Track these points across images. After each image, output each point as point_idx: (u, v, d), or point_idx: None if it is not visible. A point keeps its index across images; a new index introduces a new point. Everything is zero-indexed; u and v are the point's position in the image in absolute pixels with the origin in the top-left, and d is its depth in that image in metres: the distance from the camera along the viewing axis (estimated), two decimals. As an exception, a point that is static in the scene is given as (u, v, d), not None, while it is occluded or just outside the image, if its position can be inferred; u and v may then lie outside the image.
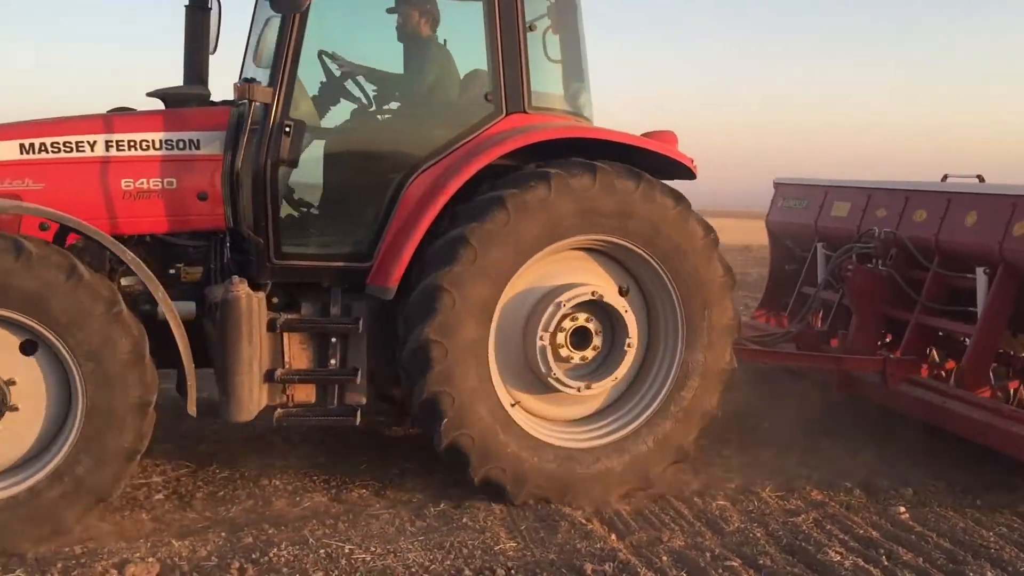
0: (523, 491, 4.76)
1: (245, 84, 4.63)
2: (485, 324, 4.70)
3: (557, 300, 4.81)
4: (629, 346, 4.94)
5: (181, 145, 4.75)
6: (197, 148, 4.76)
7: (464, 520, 4.58)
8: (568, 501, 4.81)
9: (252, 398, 4.55)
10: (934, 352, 6.66)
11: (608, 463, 4.93)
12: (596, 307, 4.91)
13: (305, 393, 4.78)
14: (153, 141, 4.73)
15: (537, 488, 4.80)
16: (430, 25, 5.20)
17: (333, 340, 4.77)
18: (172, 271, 4.84)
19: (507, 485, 4.74)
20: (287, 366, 4.72)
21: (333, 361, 4.76)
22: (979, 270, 5.85)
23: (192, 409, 4.43)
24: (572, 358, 4.89)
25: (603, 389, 5.00)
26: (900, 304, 6.45)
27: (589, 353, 4.93)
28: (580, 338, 4.91)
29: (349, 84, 5.31)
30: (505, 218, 4.58)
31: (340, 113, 5.32)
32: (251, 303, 4.48)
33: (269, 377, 4.67)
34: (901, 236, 6.47)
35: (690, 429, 5.07)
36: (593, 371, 4.99)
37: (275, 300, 4.80)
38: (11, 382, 4.05)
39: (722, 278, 5.03)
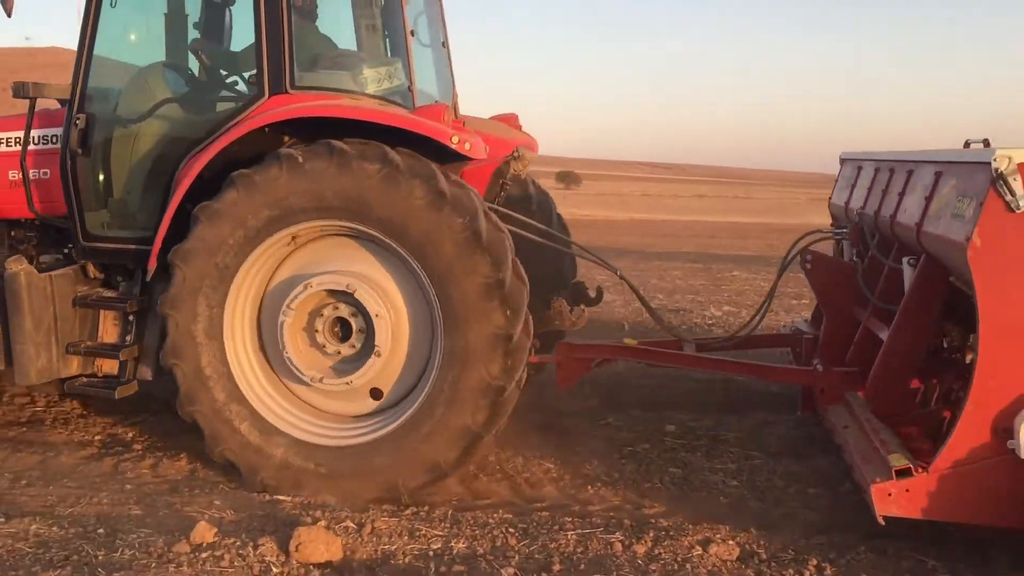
0: (256, 479, 4.73)
1: (19, 84, 5.08)
2: (218, 301, 4.70)
3: (307, 281, 4.66)
4: (377, 354, 4.61)
5: (54, 140, 5.25)
6: None
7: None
8: (306, 498, 4.62)
9: (34, 365, 4.91)
10: None
11: (344, 467, 4.67)
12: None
13: (110, 366, 5.11)
14: (34, 137, 5.32)
15: (270, 478, 4.72)
16: None
17: (130, 318, 5.07)
18: (65, 251, 5.43)
19: (241, 469, 4.76)
20: (99, 340, 5.15)
21: (129, 337, 5.06)
22: (904, 260, 4.61)
23: None
24: (326, 347, 4.77)
25: (339, 388, 4.72)
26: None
27: (347, 349, 4.76)
28: (346, 331, 4.77)
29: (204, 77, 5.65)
30: (233, 197, 4.54)
31: (150, 101, 5.29)
32: (30, 280, 4.92)
33: (68, 349, 5.07)
34: (865, 220, 5.44)
35: (447, 447, 4.53)
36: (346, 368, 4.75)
37: (120, 280, 5.25)
38: None
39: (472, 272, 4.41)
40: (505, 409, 4.62)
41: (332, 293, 4.74)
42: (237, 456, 4.79)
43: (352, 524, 4.25)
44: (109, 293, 5.28)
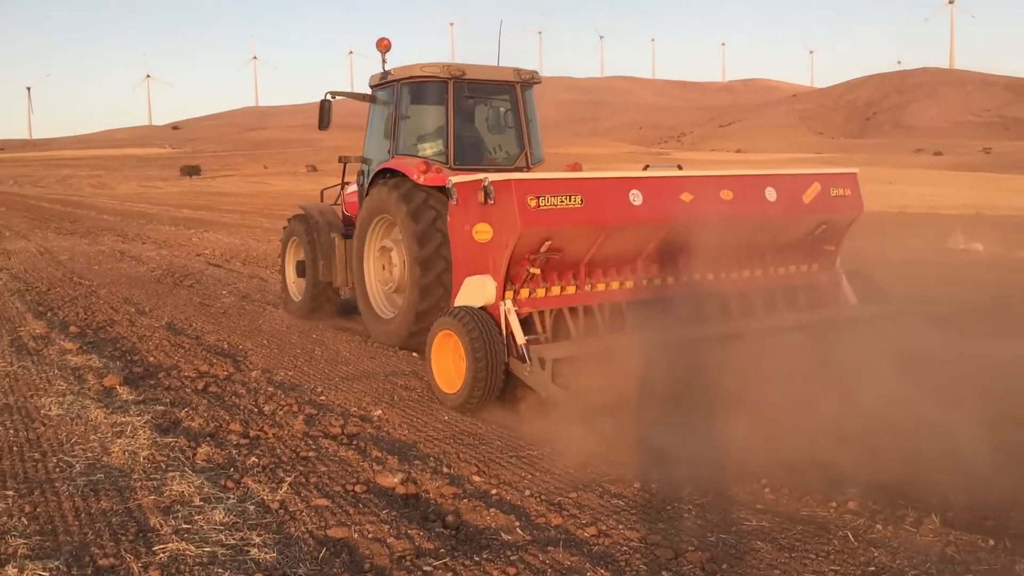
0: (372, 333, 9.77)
1: (341, 156, 10.86)
2: (361, 249, 9.59)
3: (382, 244, 9.49)
4: (393, 279, 9.28)
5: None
6: None
7: None
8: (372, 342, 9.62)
9: (338, 277, 10.24)
10: None
11: (388, 327, 9.23)
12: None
13: None
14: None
15: (372, 332, 9.69)
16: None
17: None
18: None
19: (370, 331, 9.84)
20: None
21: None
22: None
23: None
24: (388, 274, 9.38)
25: (388, 291, 9.56)
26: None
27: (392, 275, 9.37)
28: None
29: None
30: (373, 191, 9.45)
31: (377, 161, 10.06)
32: (340, 241, 10.22)
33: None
34: None
35: (409, 320, 8.76)
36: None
37: None
38: None
39: (413, 236, 8.64)
40: (430, 293, 8.56)
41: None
42: (369, 325, 9.68)
43: None
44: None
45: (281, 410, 6.96)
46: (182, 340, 9.70)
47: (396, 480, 5.40)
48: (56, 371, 8.15)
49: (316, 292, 10.76)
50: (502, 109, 9.86)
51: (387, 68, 9.79)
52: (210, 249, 19.97)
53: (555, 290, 6.96)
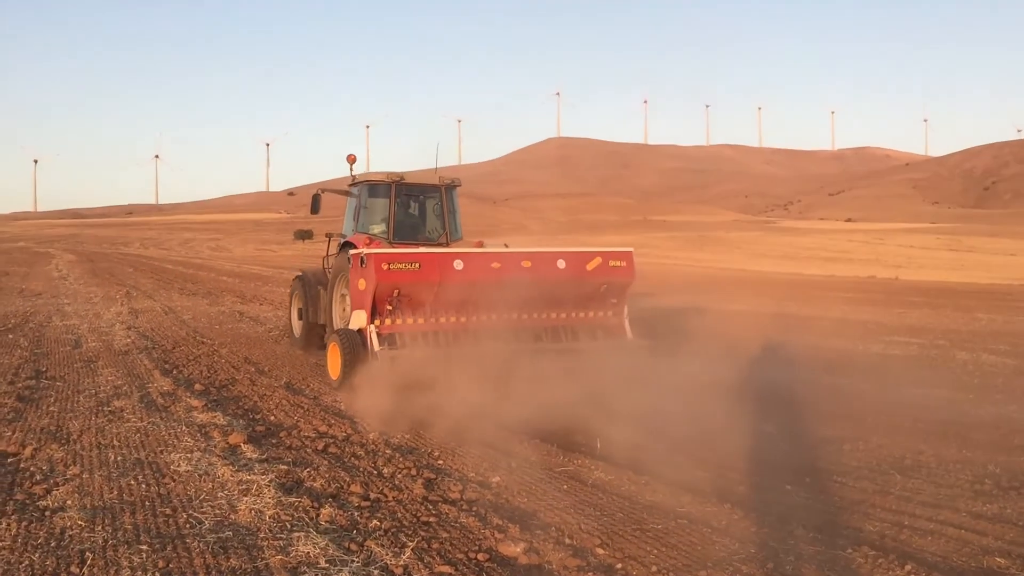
0: (325, 342, 12.41)
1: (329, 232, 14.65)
2: (331, 295, 12.52)
3: (342, 292, 12.18)
4: (347, 313, 11.71)
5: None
6: None
7: None
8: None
9: (323, 318, 13.21)
10: None
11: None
12: None
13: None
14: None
15: (330, 340, 11.77)
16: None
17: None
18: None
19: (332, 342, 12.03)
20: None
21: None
22: None
23: None
24: (345, 308, 12.09)
25: (345, 318, 11.92)
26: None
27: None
28: None
29: None
30: (338, 258, 12.62)
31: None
32: (325, 294, 13.22)
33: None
34: None
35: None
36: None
37: None
38: None
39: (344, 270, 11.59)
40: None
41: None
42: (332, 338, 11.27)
43: None
44: None
45: (400, 473, 6.98)
46: (301, 400, 9.91)
47: (518, 549, 5.30)
48: (183, 428, 8.40)
49: (309, 330, 13.77)
50: (431, 203, 13.33)
51: (354, 174, 13.39)
52: (324, 311, 20.45)
53: (410, 321, 10.23)
